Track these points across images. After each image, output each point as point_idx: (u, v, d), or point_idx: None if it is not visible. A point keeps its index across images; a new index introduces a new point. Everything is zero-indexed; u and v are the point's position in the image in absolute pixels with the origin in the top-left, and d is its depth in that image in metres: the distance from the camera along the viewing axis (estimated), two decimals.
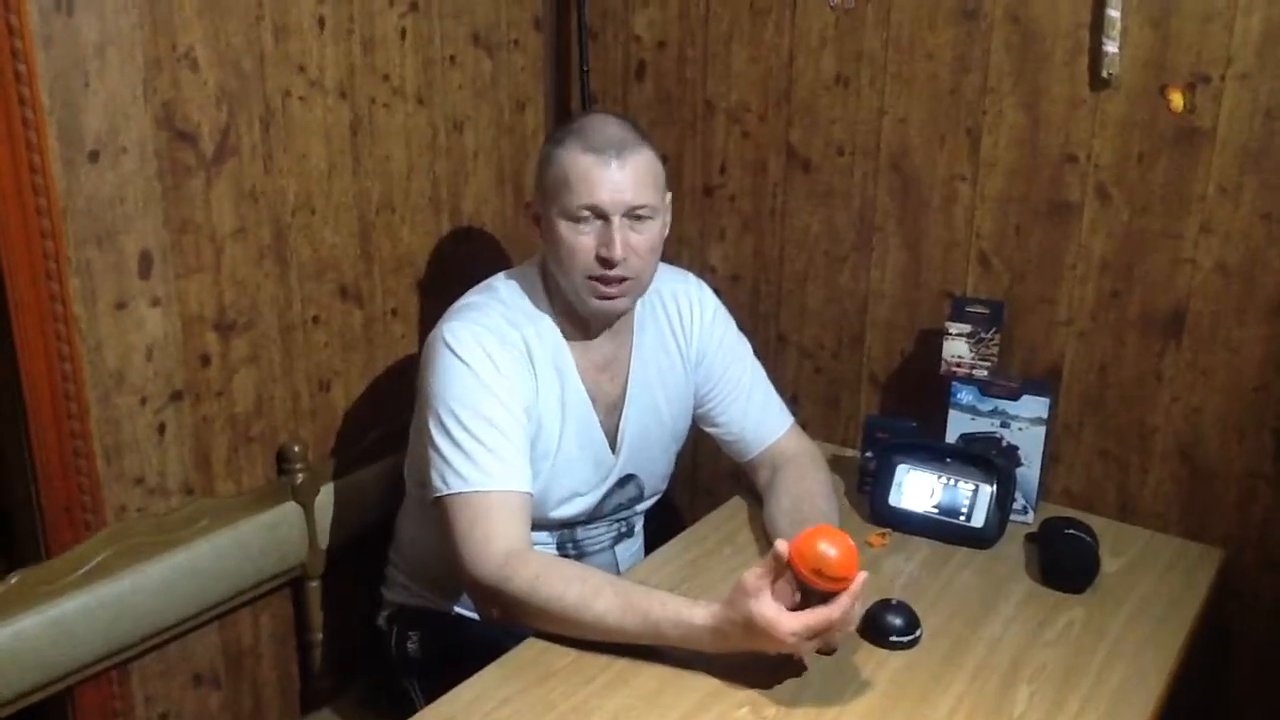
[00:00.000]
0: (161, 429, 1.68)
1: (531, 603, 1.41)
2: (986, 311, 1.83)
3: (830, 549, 1.28)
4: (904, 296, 2.01)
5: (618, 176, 1.52)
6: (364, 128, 1.89)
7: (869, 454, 1.87)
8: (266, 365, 1.81)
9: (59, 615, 1.53)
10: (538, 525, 1.61)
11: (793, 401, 2.01)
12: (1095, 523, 1.73)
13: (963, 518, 1.73)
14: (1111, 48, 1.70)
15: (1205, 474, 1.79)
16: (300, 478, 1.83)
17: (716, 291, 1.84)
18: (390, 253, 1.98)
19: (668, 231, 1.64)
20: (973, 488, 1.73)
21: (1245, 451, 1.75)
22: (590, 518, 1.73)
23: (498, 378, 1.53)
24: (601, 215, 1.53)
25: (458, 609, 1.73)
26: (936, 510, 1.74)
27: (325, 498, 1.88)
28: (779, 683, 1.36)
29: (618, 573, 1.74)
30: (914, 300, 2.00)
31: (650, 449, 1.75)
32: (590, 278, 1.55)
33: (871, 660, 1.42)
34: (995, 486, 1.72)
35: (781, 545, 1.30)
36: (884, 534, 1.75)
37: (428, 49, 1.98)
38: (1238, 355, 1.73)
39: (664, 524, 1.91)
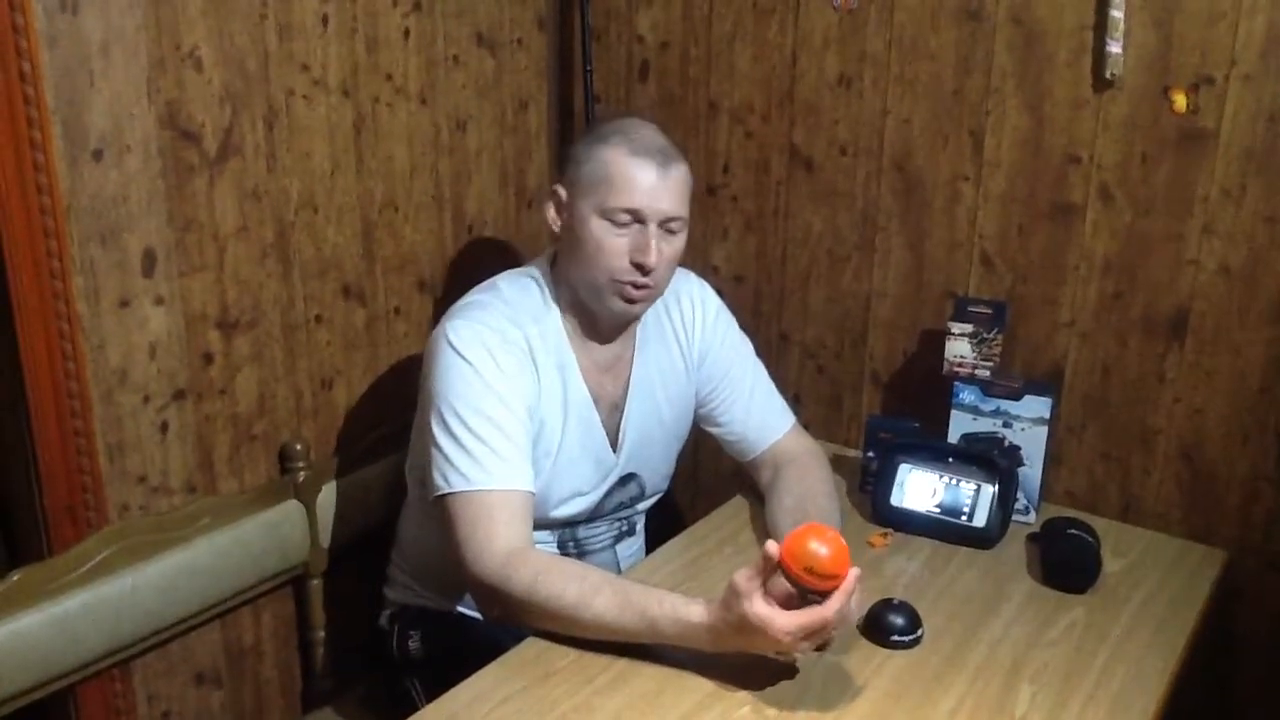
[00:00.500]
0: (164, 427, 1.68)
1: (532, 601, 1.41)
2: (989, 312, 1.83)
3: (821, 547, 1.27)
4: (906, 296, 2.01)
5: (661, 185, 1.54)
6: (367, 127, 1.89)
7: (871, 454, 1.88)
8: (269, 364, 1.81)
9: (61, 613, 1.53)
10: (539, 524, 1.61)
11: (795, 401, 2.01)
12: (1097, 523, 1.73)
13: (965, 518, 1.72)
14: (1115, 48, 1.70)
15: (1208, 475, 1.79)
16: (302, 476, 1.84)
17: (719, 291, 1.85)
18: (393, 252, 1.99)
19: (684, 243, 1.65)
20: (975, 488, 1.73)
21: (1248, 453, 1.75)
22: (591, 516, 1.73)
23: (500, 377, 1.53)
24: (640, 220, 1.54)
25: (459, 608, 1.73)
26: (938, 510, 1.74)
27: (327, 496, 1.88)
28: (780, 683, 1.36)
29: (619, 572, 1.74)
30: (916, 300, 2.00)
31: (651, 448, 1.75)
32: (616, 279, 1.56)
33: (873, 660, 1.42)
34: (997, 486, 1.72)
35: (771, 546, 1.30)
36: (886, 534, 1.75)
37: (431, 48, 1.98)
38: (1240, 357, 1.73)
39: (665, 523, 1.91)
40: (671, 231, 1.57)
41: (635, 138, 1.56)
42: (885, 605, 1.48)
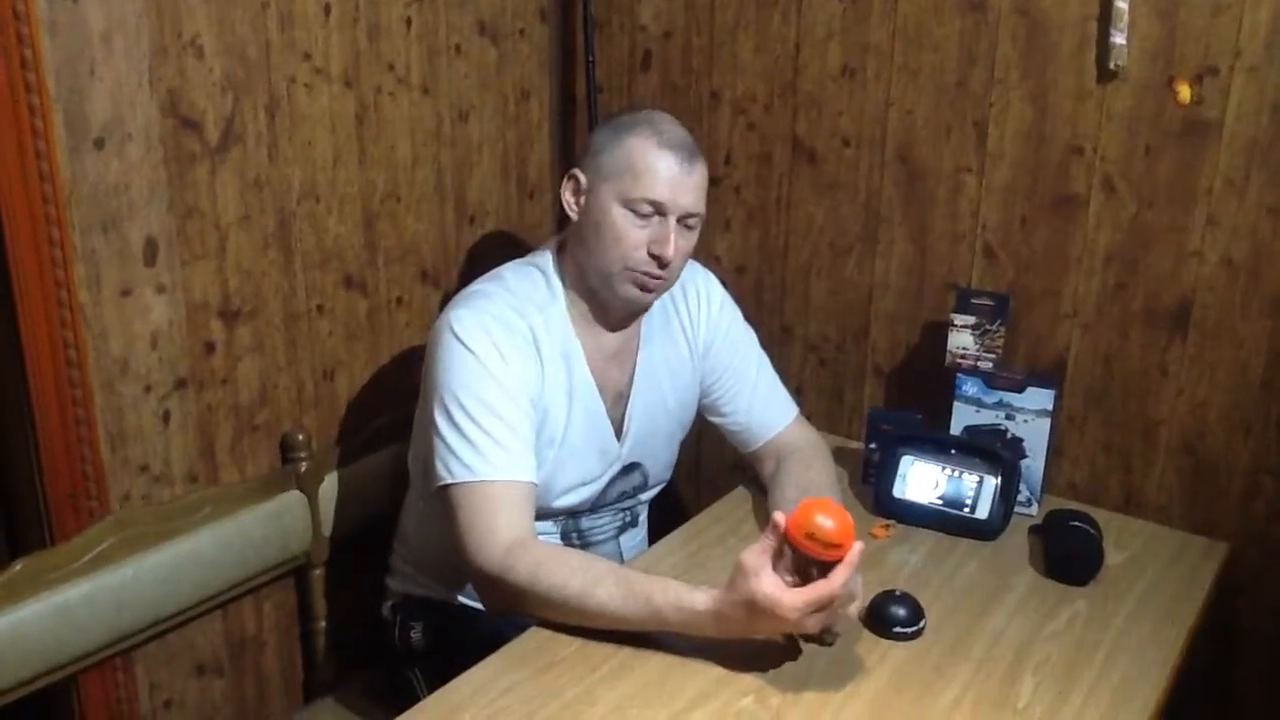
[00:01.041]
0: (166, 417, 1.68)
1: (534, 592, 1.41)
2: (991, 304, 1.82)
3: (825, 517, 1.28)
4: (909, 288, 2.01)
5: (686, 180, 1.55)
6: (369, 117, 1.88)
7: (873, 446, 1.87)
8: (271, 354, 1.81)
9: (63, 603, 1.53)
10: (542, 514, 1.61)
11: (797, 393, 2.00)
12: (1099, 516, 1.73)
13: (967, 509, 1.72)
14: (1119, 39, 1.70)
15: (1210, 468, 1.79)
16: (304, 466, 1.83)
17: (721, 282, 1.84)
18: (395, 242, 1.98)
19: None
20: (977, 480, 1.73)
21: (1250, 446, 1.75)
22: (594, 506, 1.73)
23: (503, 367, 1.53)
24: (661, 212, 1.55)
25: (462, 599, 1.73)
26: (941, 502, 1.74)
27: (329, 487, 1.88)
28: (783, 671, 1.36)
29: (621, 563, 1.74)
30: (919, 292, 2.00)
31: (655, 438, 1.75)
32: (631, 268, 1.56)
33: (875, 651, 1.42)
34: (1000, 479, 1.72)
35: (779, 515, 1.31)
36: (888, 525, 1.75)
37: (433, 38, 1.97)
38: (1243, 349, 1.73)
39: (668, 515, 1.91)
40: (689, 227, 1.59)
41: (663, 130, 1.56)
42: (887, 597, 1.48)
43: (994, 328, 1.82)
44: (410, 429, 1.74)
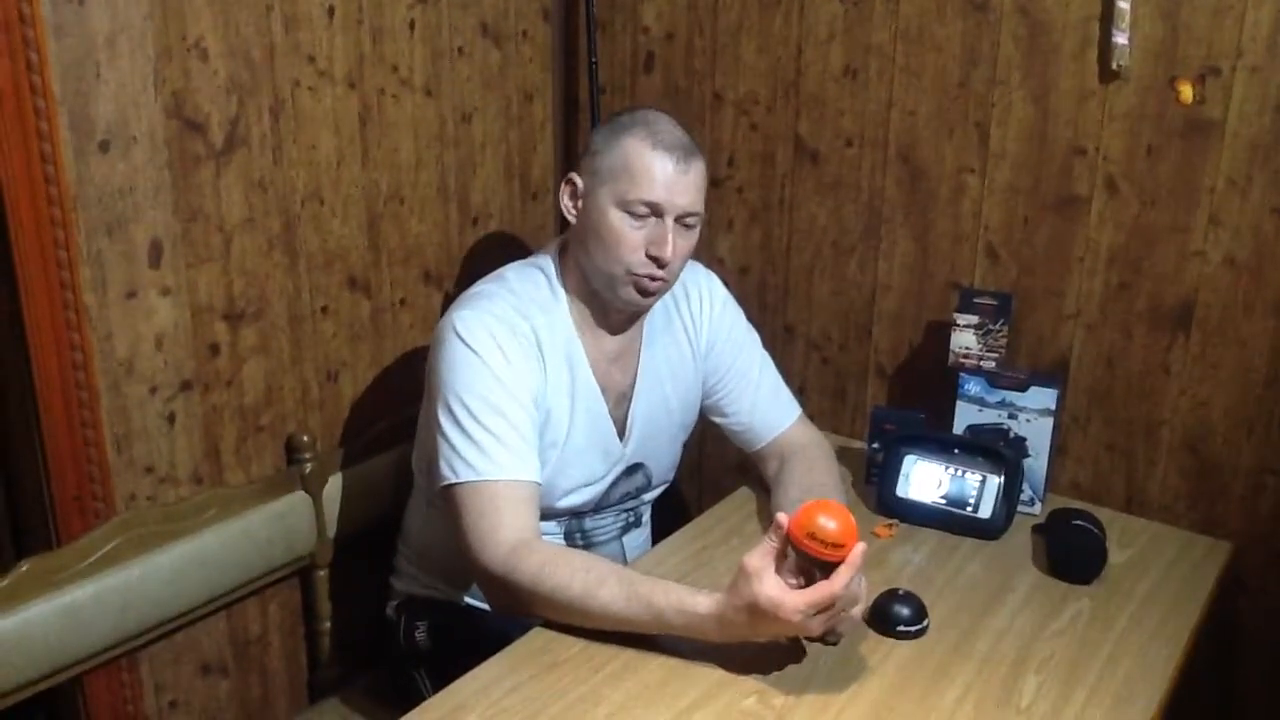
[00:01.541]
0: (171, 418, 1.68)
1: (538, 592, 1.41)
2: (994, 303, 1.83)
3: (828, 518, 1.28)
4: (911, 288, 2.01)
5: (682, 180, 1.55)
6: (373, 118, 1.89)
7: (876, 445, 1.88)
8: (275, 355, 1.82)
9: (69, 603, 1.54)
10: (545, 515, 1.62)
11: (800, 393, 2.01)
12: (1102, 515, 1.73)
13: (970, 509, 1.73)
14: (1121, 39, 1.70)
15: (1213, 467, 1.79)
16: (309, 467, 1.84)
17: (724, 283, 1.85)
18: (398, 243, 1.99)
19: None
20: (980, 479, 1.74)
21: (1254, 445, 1.75)
22: (598, 507, 1.73)
23: (507, 367, 1.53)
24: (658, 213, 1.55)
25: (466, 599, 1.74)
26: (944, 501, 1.75)
27: (333, 487, 1.88)
28: (787, 671, 1.36)
29: (625, 563, 1.75)
30: (921, 292, 2.00)
31: (658, 438, 1.76)
32: (631, 271, 1.56)
33: (879, 650, 1.42)
34: (1003, 478, 1.72)
35: (781, 516, 1.31)
36: (891, 525, 1.75)
37: (436, 40, 1.98)
38: (1246, 349, 1.73)
39: (671, 515, 1.91)
40: (687, 226, 1.59)
41: (657, 131, 1.56)
42: (891, 596, 1.48)
43: (997, 327, 1.82)
44: (414, 430, 1.74)
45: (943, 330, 1.90)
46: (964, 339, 1.85)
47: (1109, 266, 1.81)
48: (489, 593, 1.52)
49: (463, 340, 1.53)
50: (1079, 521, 1.66)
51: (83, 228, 1.53)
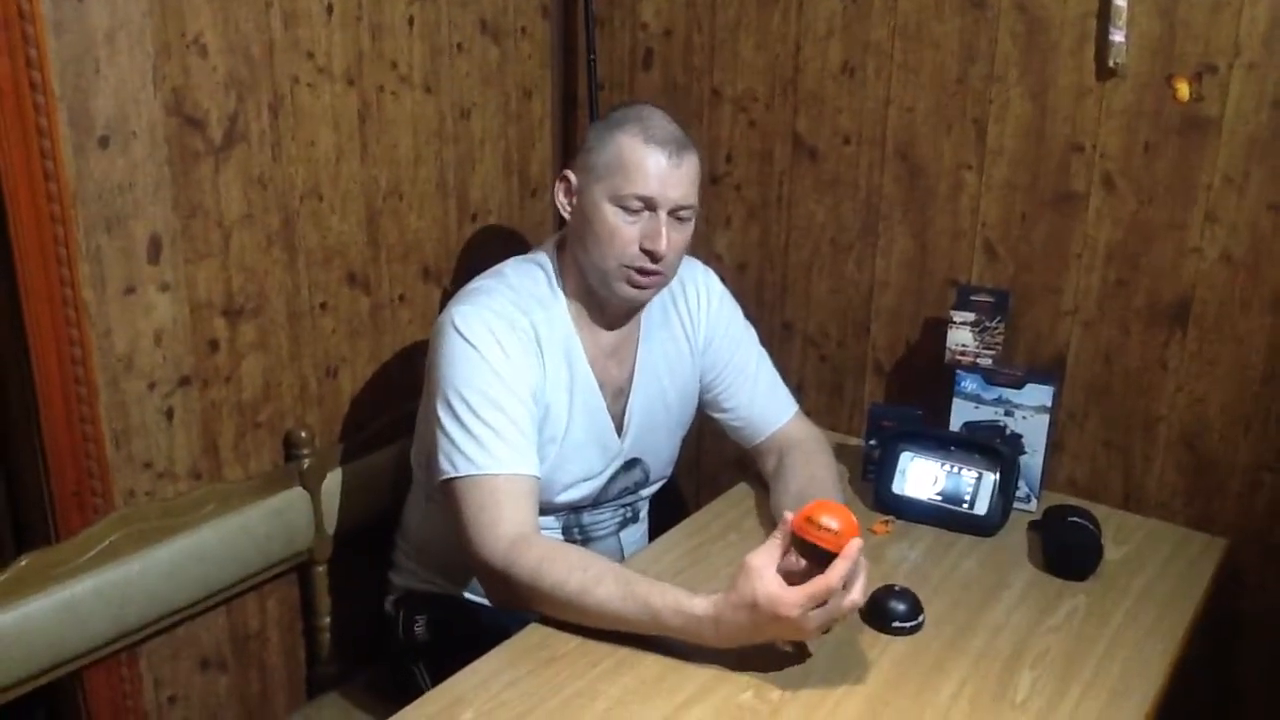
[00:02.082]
0: (170, 414, 1.69)
1: (536, 588, 1.41)
2: (991, 300, 1.83)
3: (830, 513, 1.30)
4: (909, 285, 2.02)
5: (675, 173, 1.55)
6: (372, 115, 1.89)
7: (873, 442, 1.88)
8: (274, 351, 1.82)
9: (68, 598, 1.54)
10: (544, 510, 1.62)
11: (798, 390, 2.01)
12: (1099, 511, 1.73)
13: (966, 505, 1.73)
14: (1118, 37, 1.70)
15: (1210, 464, 1.80)
16: (307, 463, 1.85)
17: (722, 280, 1.85)
18: (398, 240, 1.99)
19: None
20: (976, 475, 1.74)
21: (1250, 442, 1.76)
22: (596, 502, 1.74)
23: (505, 362, 1.54)
24: (651, 207, 1.55)
25: (465, 593, 1.74)
26: (940, 498, 1.75)
27: (332, 483, 1.89)
28: (783, 668, 1.36)
29: (622, 558, 1.75)
30: (919, 289, 2.01)
31: (656, 433, 1.76)
32: (626, 266, 1.57)
33: (875, 646, 1.43)
34: (999, 474, 1.73)
35: (787, 514, 1.33)
36: (888, 521, 1.75)
37: (435, 36, 1.98)
38: (1243, 345, 1.73)
39: (669, 511, 1.92)
40: (681, 219, 1.59)
41: (649, 125, 1.56)
42: (887, 592, 1.48)
43: (994, 324, 1.83)
44: (412, 426, 1.75)
45: (940, 327, 1.90)
46: (961, 336, 1.85)
47: (1106, 263, 1.82)
48: (488, 587, 1.52)
49: (462, 335, 1.53)
50: (1075, 518, 1.66)
51: (82, 224, 1.53)
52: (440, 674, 1.38)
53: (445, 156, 2.05)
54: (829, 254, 2.09)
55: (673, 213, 1.57)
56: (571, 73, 2.28)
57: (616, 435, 1.71)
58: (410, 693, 1.39)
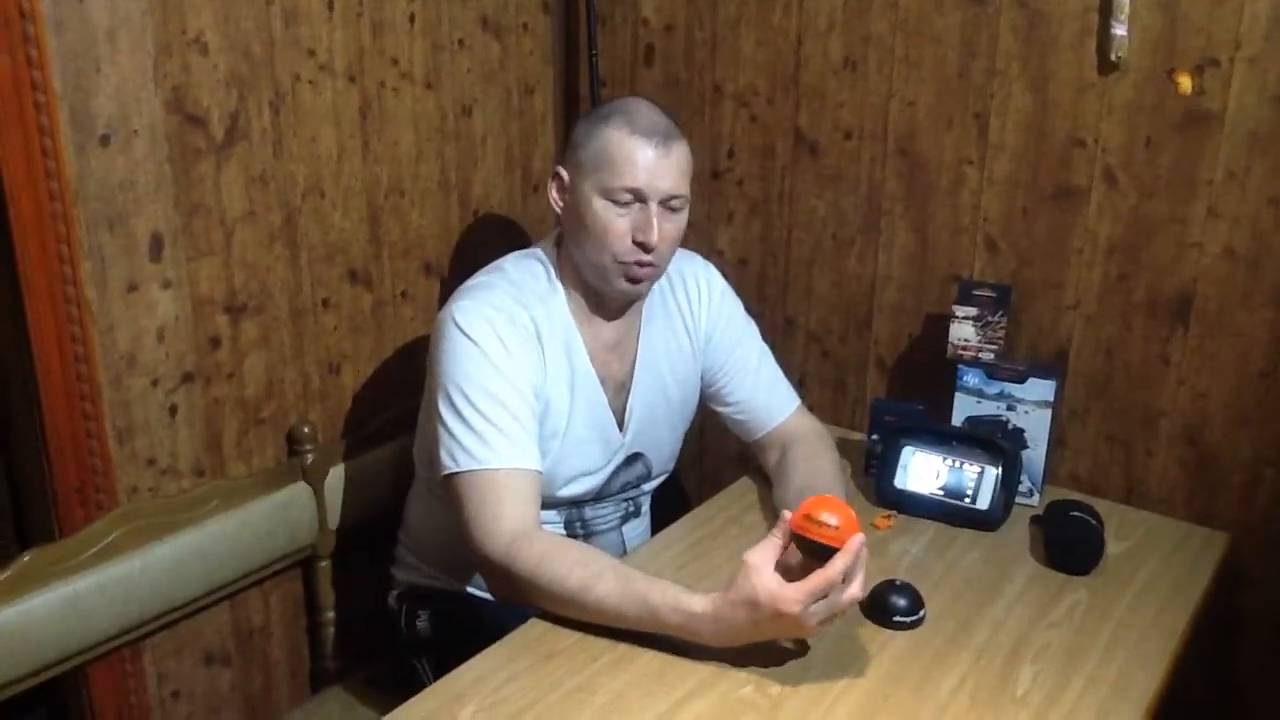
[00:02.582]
0: (173, 410, 1.69)
1: (537, 584, 1.42)
2: (993, 295, 1.83)
3: (829, 510, 1.30)
4: (911, 280, 2.01)
5: (663, 164, 1.55)
6: (373, 112, 1.90)
7: (875, 437, 1.88)
8: (277, 348, 1.82)
9: (72, 594, 1.55)
10: (546, 504, 1.63)
11: (800, 385, 2.01)
12: (1101, 506, 1.73)
13: (968, 500, 1.73)
14: (1120, 31, 1.70)
15: (1211, 458, 1.80)
16: (310, 459, 1.85)
17: (724, 275, 1.85)
18: (399, 236, 2.00)
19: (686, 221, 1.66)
20: (978, 470, 1.74)
21: (1251, 436, 1.75)
22: (598, 496, 1.74)
23: (506, 357, 1.54)
24: (641, 199, 1.55)
25: (468, 588, 1.75)
26: (942, 493, 1.75)
27: (335, 479, 1.90)
28: (783, 662, 1.37)
29: (624, 552, 1.76)
30: (921, 284, 2.01)
31: (657, 428, 1.76)
32: (619, 259, 1.57)
33: (875, 640, 1.43)
34: (1001, 469, 1.73)
35: (786, 513, 1.33)
36: (890, 516, 1.75)
37: (436, 33, 1.98)
38: (1244, 340, 1.73)
39: (671, 505, 1.92)
40: (673, 209, 1.59)
41: (635, 118, 1.56)
42: (888, 586, 1.49)
43: (995, 319, 1.83)
44: (415, 421, 1.75)
45: (942, 322, 1.90)
46: (963, 331, 1.85)
47: (1108, 258, 1.81)
48: (490, 582, 1.53)
49: (462, 331, 1.54)
50: (1077, 513, 1.66)
51: (84, 222, 1.54)
52: (443, 669, 1.38)
53: (447, 153, 2.05)
54: (831, 249, 2.09)
55: (663, 203, 1.57)
56: (573, 69, 2.28)
57: (618, 430, 1.71)
58: (413, 687, 1.40)
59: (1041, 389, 1.76)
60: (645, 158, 1.54)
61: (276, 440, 1.86)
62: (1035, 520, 1.74)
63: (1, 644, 1.48)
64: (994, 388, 1.80)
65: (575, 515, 1.74)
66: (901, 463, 1.78)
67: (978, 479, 1.74)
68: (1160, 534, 1.74)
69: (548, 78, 2.25)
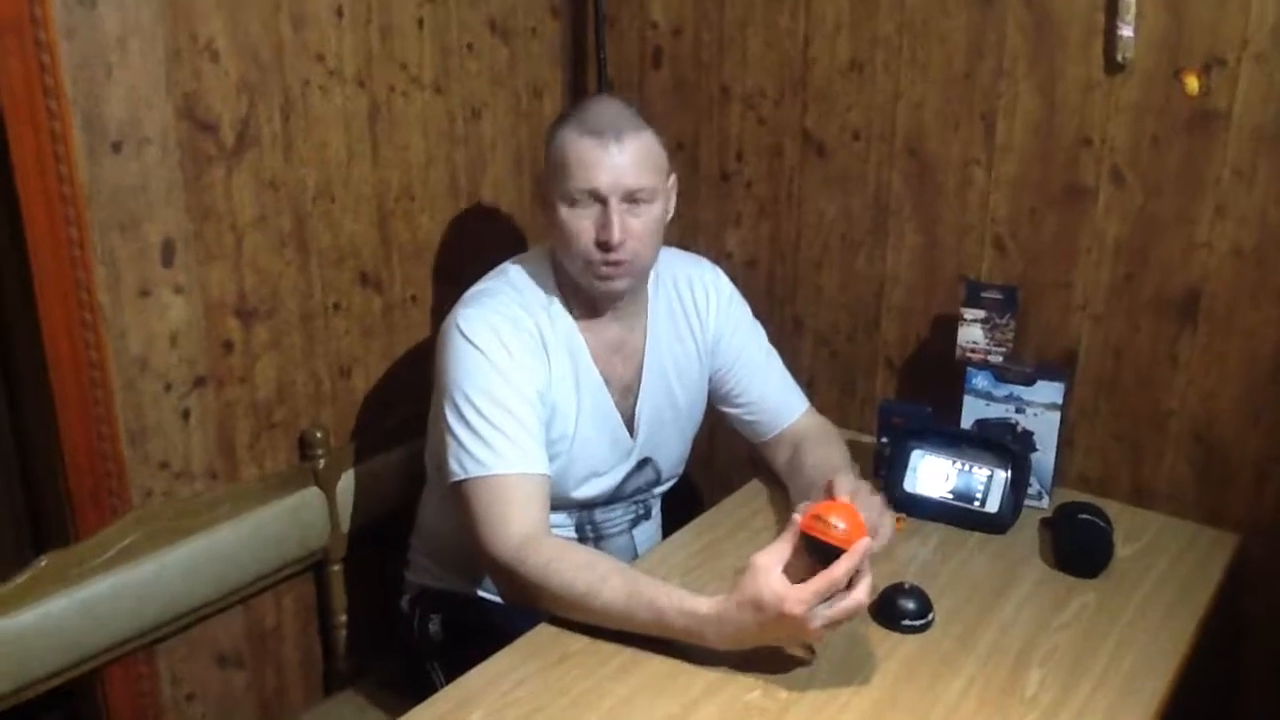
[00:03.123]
0: (185, 414, 1.71)
1: (545, 588, 1.43)
2: (1001, 296, 1.83)
3: (838, 513, 1.31)
4: (919, 281, 2.02)
5: (616, 159, 1.53)
6: (382, 116, 1.91)
7: (884, 439, 1.88)
8: (288, 351, 1.84)
9: (87, 597, 1.56)
10: (558, 506, 1.64)
11: (808, 386, 2.01)
12: (1110, 507, 1.73)
13: (977, 503, 1.73)
14: (1127, 31, 1.70)
15: (1220, 459, 1.79)
16: (322, 463, 1.86)
17: (732, 277, 1.86)
18: (409, 240, 2.00)
19: (672, 213, 1.66)
20: (987, 473, 1.74)
21: (1261, 436, 1.75)
22: (609, 500, 1.75)
23: (511, 363, 1.55)
24: (600, 198, 1.54)
25: (479, 591, 1.76)
26: (951, 495, 1.75)
27: (346, 483, 1.91)
28: (790, 667, 1.37)
29: (635, 555, 1.77)
30: (929, 285, 2.01)
31: (665, 431, 1.77)
32: (588, 261, 1.57)
33: (884, 643, 1.43)
34: (1010, 471, 1.73)
35: (797, 516, 1.33)
36: (899, 519, 1.75)
37: (445, 37, 1.99)
38: (1253, 339, 1.73)
39: (681, 507, 1.92)
40: (638, 202, 1.56)
41: (586, 117, 1.55)
42: (896, 589, 1.49)
43: (1004, 320, 1.83)
44: (426, 425, 1.76)
45: (950, 323, 1.90)
46: (972, 333, 1.85)
47: (1116, 257, 1.81)
48: (499, 586, 1.54)
49: (466, 338, 1.55)
50: (1086, 515, 1.66)
51: (96, 227, 1.55)
52: (455, 671, 1.39)
53: (456, 157, 2.06)
54: (839, 250, 2.09)
55: (627, 198, 1.55)
56: (581, 72, 2.29)
57: (628, 433, 1.72)
58: (425, 689, 1.41)
59: (1050, 391, 1.76)
60: (596, 157, 1.53)
61: (288, 444, 1.87)
62: (1045, 523, 1.74)
63: (19, 646, 1.50)
64: (1003, 390, 1.80)
65: (586, 518, 1.75)
66: (910, 465, 1.78)
67: (987, 482, 1.74)
68: (1169, 535, 1.74)
69: (556, 81, 2.25)
